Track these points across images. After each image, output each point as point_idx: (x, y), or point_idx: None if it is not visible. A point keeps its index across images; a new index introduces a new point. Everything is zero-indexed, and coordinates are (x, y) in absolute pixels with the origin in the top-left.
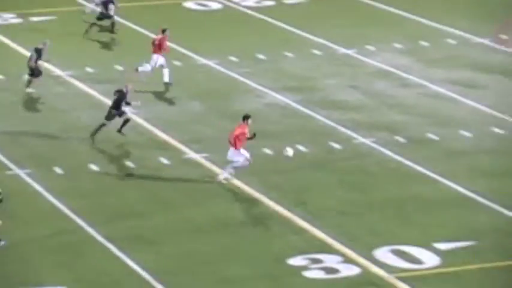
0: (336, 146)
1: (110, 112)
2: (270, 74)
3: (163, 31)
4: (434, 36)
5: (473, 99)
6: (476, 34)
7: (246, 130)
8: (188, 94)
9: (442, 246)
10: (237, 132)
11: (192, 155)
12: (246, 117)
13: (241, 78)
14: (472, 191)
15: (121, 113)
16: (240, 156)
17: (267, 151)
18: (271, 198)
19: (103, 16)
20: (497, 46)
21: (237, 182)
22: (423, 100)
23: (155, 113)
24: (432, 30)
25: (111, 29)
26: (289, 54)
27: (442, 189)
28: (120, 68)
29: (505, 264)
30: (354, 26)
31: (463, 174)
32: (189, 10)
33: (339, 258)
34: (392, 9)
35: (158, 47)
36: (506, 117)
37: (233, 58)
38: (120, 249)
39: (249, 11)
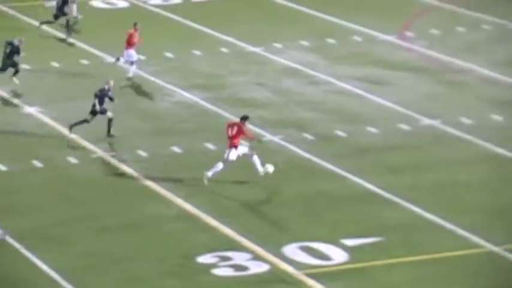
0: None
1: (94, 110)
2: (178, 72)
3: (135, 25)
4: (341, 33)
5: (380, 95)
6: (381, 31)
7: (244, 130)
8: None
9: (350, 242)
10: (235, 132)
11: (100, 153)
12: (243, 118)
13: (149, 77)
14: (379, 187)
15: (103, 111)
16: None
17: (176, 149)
18: (179, 196)
19: (60, 14)
20: (402, 43)
21: (145, 180)
22: (330, 97)
23: (63, 112)
24: (338, 27)
25: (67, 26)
26: (197, 52)
27: (350, 186)
28: (27, 67)
29: (412, 260)
30: (261, 24)
31: (370, 170)
32: (96, 9)
33: (248, 256)
34: (298, 7)
35: (130, 42)
36: (412, 114)
37: (141, 56)
38: (28, 248)
39: (157, 9)
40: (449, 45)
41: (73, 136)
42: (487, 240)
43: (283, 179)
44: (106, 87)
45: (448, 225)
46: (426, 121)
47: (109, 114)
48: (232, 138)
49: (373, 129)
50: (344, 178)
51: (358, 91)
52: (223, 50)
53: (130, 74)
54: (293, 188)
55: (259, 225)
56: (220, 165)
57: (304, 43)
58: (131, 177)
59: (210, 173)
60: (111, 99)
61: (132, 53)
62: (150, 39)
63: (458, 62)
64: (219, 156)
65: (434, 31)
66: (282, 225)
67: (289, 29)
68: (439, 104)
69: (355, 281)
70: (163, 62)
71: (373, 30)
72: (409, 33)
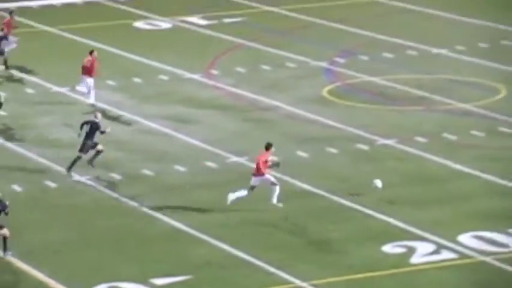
0: (51, 184)
1: (84, 144)
2: None
3: (91, 53)
4: (147, 72)
5: (187, 134)
6: (187, 70)
7: (268, 158)
8: None
9: (159, 281)
10: (260, 159)
11: None
12: (268, 146)
13: None
14: (187, 225)
15: (95, 144)
16: (266, 180)
17: None
18: None
19: None
20: (208, 81)
21: None
22: (137, 136)
23: None
24: (144, 66)
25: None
26: (1, 93)
27: (158, 224)
28: None
29: None
30: (67, 64)
31: (178, 209)
32: None
33: None
34: (104, 46)
35: (89, 69)
36: (219, 151)
37: None
38: None
39: None
40: (254, 83)
41: None
42: (295, 276)
43: (91, 219)
44: (96, 120)
45: (257, 262)
46: (233, 158)
47: (99, 147)
48: (258, 166)
49: (180, 168)
50: (152, 217)
51: (165, 130)
52: (29, 90)
53: (91, 101)
54: (101, 228)
55: (68, 266)
56: (244, 192)
57: (111, 83)
58: None
59: (233, 197)
60: (102, 132)
61: (89, 81)
62: None
63: (264, 100)
64: (26, 197)
65: (239, 69)
66: (92, 266)
67: None
68: (246, 141)
69: None
70: None
71: (179, 69)
72: (214, 72)
